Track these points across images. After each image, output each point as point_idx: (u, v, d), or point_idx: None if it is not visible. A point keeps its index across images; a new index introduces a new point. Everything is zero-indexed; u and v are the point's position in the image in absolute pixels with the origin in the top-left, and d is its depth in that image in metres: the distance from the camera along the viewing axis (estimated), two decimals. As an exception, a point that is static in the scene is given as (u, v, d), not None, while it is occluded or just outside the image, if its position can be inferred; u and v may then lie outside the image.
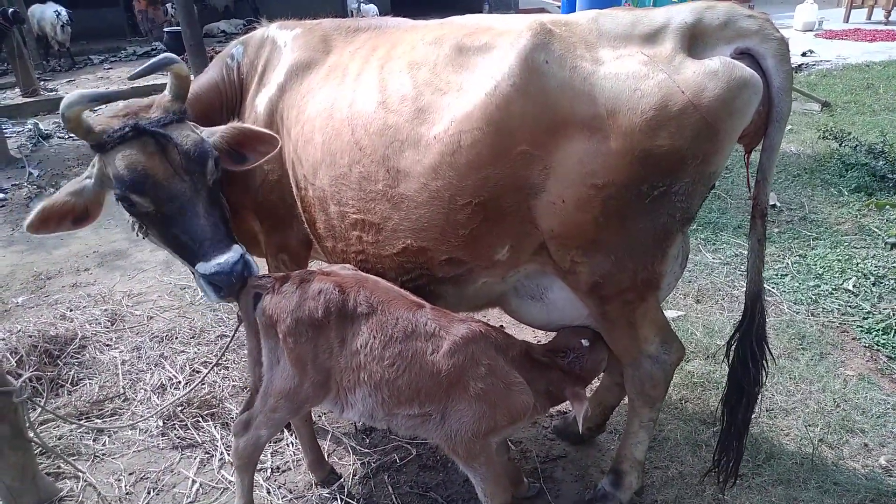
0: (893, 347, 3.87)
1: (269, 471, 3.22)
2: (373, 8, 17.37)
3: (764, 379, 2.53)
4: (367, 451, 3.33)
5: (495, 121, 2.18)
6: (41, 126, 9.38)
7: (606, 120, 2.09)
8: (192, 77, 2.68)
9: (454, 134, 2.25)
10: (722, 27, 2.11)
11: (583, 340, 2.57)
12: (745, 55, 2.10)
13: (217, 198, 2.58)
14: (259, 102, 2.90)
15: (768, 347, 2.52)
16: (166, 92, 2.57)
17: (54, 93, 12.05)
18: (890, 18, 16.49)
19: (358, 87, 2.54)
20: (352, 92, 2.55)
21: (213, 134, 2.59)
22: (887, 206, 5.45)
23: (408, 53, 2.48)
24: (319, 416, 3.52)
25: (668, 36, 2.09)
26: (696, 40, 2.11)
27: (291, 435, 3.38)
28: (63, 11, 14.21)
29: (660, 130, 2.05)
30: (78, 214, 2.47)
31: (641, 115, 2.04)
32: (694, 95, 2.00)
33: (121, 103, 2.57)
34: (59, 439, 3.42)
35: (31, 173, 7.80)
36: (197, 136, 2.51)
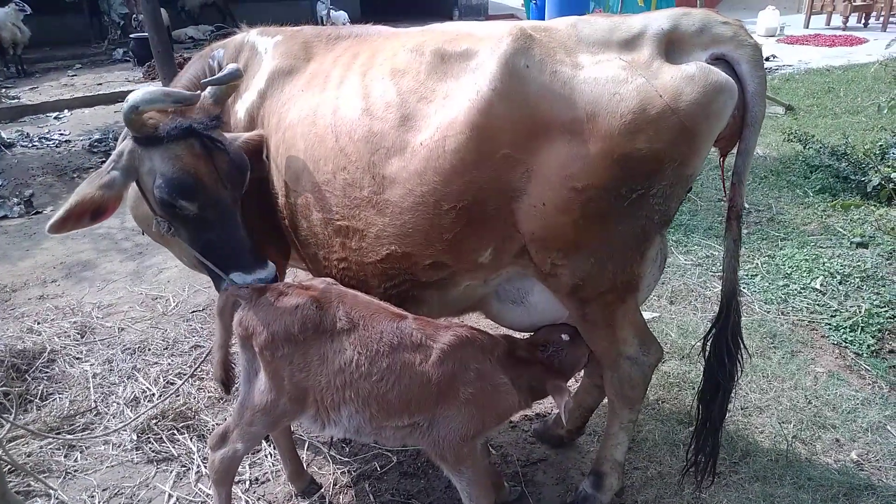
0: (860, 344, 3.98)
1: (248, 482, 3.17)
2: (343, 15, 17.26)
3: (739, 374, 2.58)
4: (347, 459, 3.30)
5: (478, 125, 2.20)
6: (3, 134, 9.12)
7: (586, 123, 2.11)
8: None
9: (439, 140, 2.26)
10: (698, 33, 2.15)
11: (563, 335, 2.60)
12: (720, 61, 2.15)
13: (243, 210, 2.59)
14: (239, 108, 2.88)
15: (743, 343, 2.57)
16: (208, 94, 2.55)
17: (16, 100, 11.75)
18: (848, 24, 17.01)
19: (341, 94, 2.53)
20: (335, 99, 2.54)
21: (236, 139, 2.59)
22: (852, 207, 5.61)
23: (390, 60, 2.48)
24: (298, 426, 3.48)
25: (646, 42, 2.13)
26: (672, 46, 2.15)
27: (270, 445, 3.34)
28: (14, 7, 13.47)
29: (638, 134, 2.08)
30: (99, 209, 2.41)
31: (620, 119, 2.07)
32: (672, 99, 2.04)
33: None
34: (29, 456, 3.31)
35: (-8, 183, 7.60)
36: (237, 145, 2.52)
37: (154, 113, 2.39)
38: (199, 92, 2.57)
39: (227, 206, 2.44)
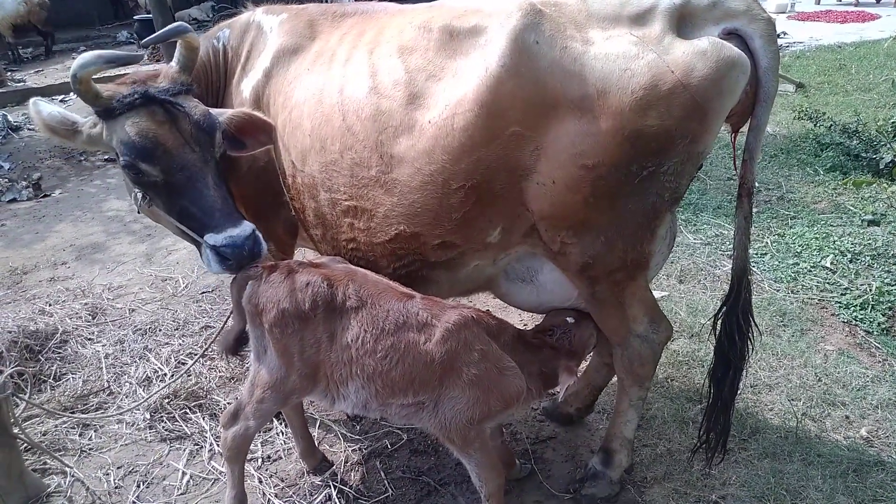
0: (870, 322, 3.96)
1: (261, 460, 3.21)
2: (349, -7, 17.05)
3: (750, 353, 2.57)
4: (357, 437, 3.33)
5: (487, 102, 2.18)
6: (10, 118, 9.13)
7: (597, 100, 2.09)
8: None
9: (448, 117, 2.24)
10: (710, 8, 2.12)
11: (567, 318, 2.61)
12: (732, 35, 2.11)
13: (222, 172, 2.57)
14: (244, 88, 2.86)
15: (754, 321, 2.56)
16: (173, 63, 2.55)
17: (22, 83, 11.75)
18: (860, 0, 16.70)
19: (347, 73, 2.52)
20: (341, 77, 2.52)
21: (221, 114, 2.58)
22: (864, 184, 5.55)
23: (397, 38, 2.46)
24: (309, 404, 3.51)
25: (657, 16, 2.09)
26: (684, 21, 2.11)
27: (282, 424, 3.37)
28: None
29: (649, 110, 2.06)
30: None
31: (631, 95, 2.04)
32: (683, 75, 2.01)
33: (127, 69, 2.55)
34: (45, 435, 3.37)
35: (0, 166, 7.62)
36: (204, 107, 2.50)
37: (113, 85, 2.40)
38: (140, 53, 2.58)
39: (195, 169, 2.42)
